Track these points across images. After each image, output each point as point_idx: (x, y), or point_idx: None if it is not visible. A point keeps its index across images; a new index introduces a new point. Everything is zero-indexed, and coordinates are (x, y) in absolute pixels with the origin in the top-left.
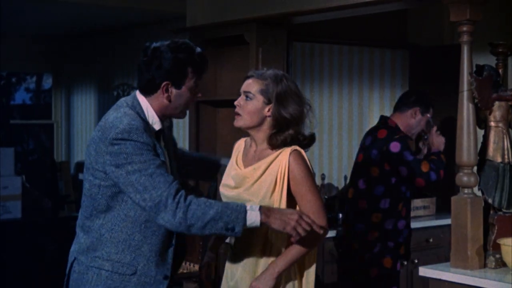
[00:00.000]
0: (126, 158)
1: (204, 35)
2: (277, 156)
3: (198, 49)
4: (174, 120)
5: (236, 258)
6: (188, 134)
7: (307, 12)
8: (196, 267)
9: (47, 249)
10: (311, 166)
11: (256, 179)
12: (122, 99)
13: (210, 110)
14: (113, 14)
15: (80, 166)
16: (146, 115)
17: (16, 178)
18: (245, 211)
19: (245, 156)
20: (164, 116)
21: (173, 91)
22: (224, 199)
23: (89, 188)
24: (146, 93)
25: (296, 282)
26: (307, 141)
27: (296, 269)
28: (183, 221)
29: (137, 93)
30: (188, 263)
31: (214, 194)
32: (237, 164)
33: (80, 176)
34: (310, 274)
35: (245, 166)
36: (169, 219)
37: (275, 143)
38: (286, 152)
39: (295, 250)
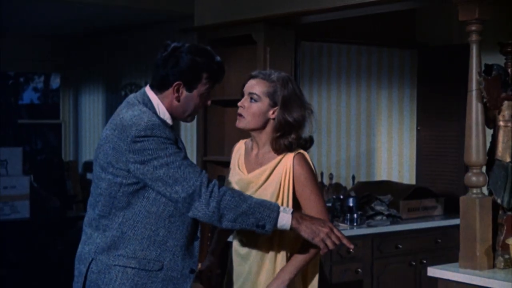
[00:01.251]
0: (151, 154)
1: (212, 35)
2: (281, 159)
3: (218, 58)
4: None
5: (242, 252)
6: (196, 134)
7: (315, 11)
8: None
9: (55, 249)
10: (314, 168)
11: (261, 184)
12: (132, 96)
13: (218, 110)
14: (120, 14)
15: (88, 165)
16: (158, 111)
17: (24, 177)
18: (278, 211)
19: (247, 160)
20: (172, 116)
21: (184, 92)
22: None
23: (106, 187)
24: (158, 89)
25: None
26: (308, 144)
27: (300, 278)
28: (216, 210)
29: (147, 89)
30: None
31: None
32: (239, 169)
33: (89, 175)
34: (314, 284)
35: (248, 170)
36: (202, 209)
37: (278, 148)
38: (289, 155)
39: (302, 256)
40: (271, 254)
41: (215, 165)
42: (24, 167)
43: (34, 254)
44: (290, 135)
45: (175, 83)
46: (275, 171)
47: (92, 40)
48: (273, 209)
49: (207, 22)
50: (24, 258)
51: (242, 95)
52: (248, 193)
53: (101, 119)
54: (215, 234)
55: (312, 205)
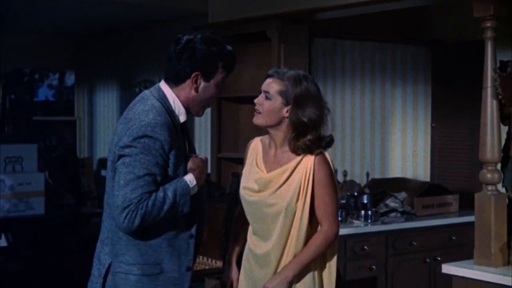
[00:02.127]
0: (132, 151)
1: (225, 32)
2: (301, 159)
3: (229, 47)
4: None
5: (258, 253)
6: (210, 131)
7: (329, 8)
8: (218, 264)
9: (70, 245)
10: (333, 168)
11: (282, 183)
12: (146, 91)
13: (232, 107)
14: (135, 11)
15: (103, 162)
16: (173, 106)
17: (39, 174)
18: (189, 191)
19: (265, 158)
20: (187, 110)
21: (202, 83)
22: (245, 203)
23: (112, 186)
24: (174, 83)
25: (316, 273)
26: (326, 144)
27: (316, 261)
28: (141, 225)
29: (162, 84)
30: (209, 259)
31: (236, 190)
32: (258, 167)
33: (103, 172)
34: (332, 265)
35: (268, 169)
36: (128, 226)
37: (296, 149)
38: (310, 156)
39: (308, 254)
40: (286, 254)
41: (229, 162)
42: (39, 164)
43: (48, 250)
44: (306, 135)
45: (193, 74)
46: (295, 171)
47: (106, 37)
48: (186, 193)
49: (221, 18)
50: (38, 254)
51: (259, 92)
52: (268, 192)
53: (115, 116)
54: (231, 243)
55: (325, 207)
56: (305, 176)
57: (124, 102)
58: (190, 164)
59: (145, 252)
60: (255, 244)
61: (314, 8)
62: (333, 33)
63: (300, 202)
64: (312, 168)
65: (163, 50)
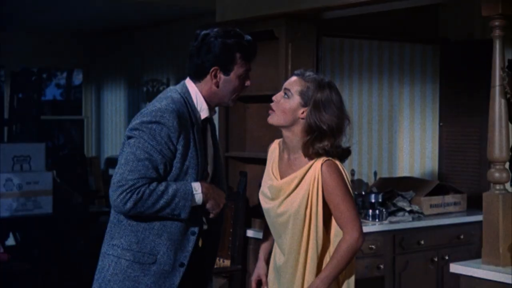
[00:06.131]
0: (138, 134)
1: None
2: (310, 166)
3: (248, 37)
4: None
5: (279, 263)
6: (217, 130)
7: (337, 7)
8: (226, 262)
9: (78, 243)
10: (346, 175)
11: (291, 191)
12: (172, 86)
13: (239, 106)
14: (142, 10)
15: (110, 161)
16: (195, 101)
17: (47, 173)
18: (192, 198)
19: (280, 163)
20: (213, 104)
21: (222, 77)
22: (262, 209)
23: None
24: (196, 78)
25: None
26: (342, 154)
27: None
28: (132, 209)
29: (187, 80)
30: (217, 258)
31: (243, 189)
32: (273, 174)
33: (111, 171)
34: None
35: (282, 175)
36: (118, 205)
37: (308, 153)
38: (318, 163)
39: (333, 266)
40: (301, 264)
41: (236, 161)
42: (46, 163)
43: (56, 249)
44: (322, 141)
45: (211, 69)
46: (304, 179)
47: (114, 36)
48: (188, 198)
49: (229, 17)
50: (46, 253)
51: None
52: (279, 200)
53: (123, 115)
54: (262, 240)
55: (342, 215)
56: (313, 183)
57: (132, 101)
58: (204, 190)
59: (143, 240)
60: (275, 251)
61: (322, 6)
62: (341, 32)
63: (309, 210)
64: (319, 176)
65: (171, 49)
